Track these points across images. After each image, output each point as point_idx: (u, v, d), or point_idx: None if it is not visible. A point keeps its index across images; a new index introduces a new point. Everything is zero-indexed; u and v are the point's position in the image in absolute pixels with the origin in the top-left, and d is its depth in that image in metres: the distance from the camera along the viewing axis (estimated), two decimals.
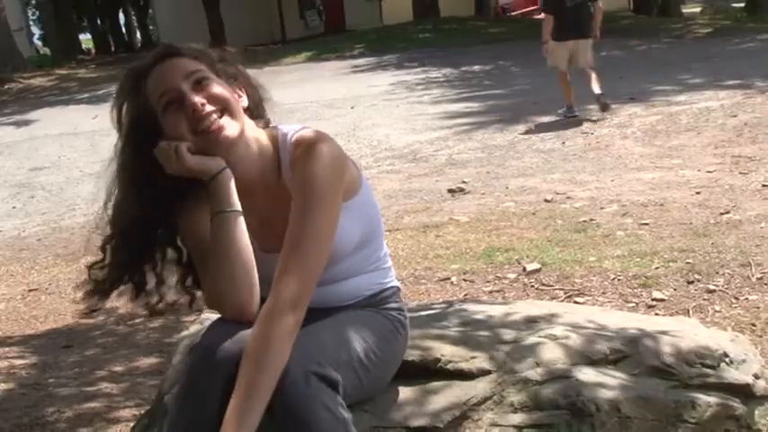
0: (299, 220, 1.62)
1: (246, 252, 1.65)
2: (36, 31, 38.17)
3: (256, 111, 1.78)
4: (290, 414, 1.50)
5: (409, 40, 17.47)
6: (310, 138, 1.68)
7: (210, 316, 2.01)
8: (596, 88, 8.11)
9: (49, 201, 7.43)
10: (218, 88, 1.65)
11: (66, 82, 16.55)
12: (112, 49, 31.12)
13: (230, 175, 1.66)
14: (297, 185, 1.65)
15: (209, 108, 1.62)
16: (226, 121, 1.64)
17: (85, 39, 34.37)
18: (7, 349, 3.87)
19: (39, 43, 36.82)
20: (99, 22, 34.12)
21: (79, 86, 15.61)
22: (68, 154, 9.25)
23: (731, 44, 13.24)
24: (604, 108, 8.11)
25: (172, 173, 1.65)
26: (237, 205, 1.66)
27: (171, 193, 1.71)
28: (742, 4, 20.55)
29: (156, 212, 1.73)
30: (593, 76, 8.20)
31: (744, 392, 2.05)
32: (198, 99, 1.62)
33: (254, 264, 1.65)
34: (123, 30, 34.92)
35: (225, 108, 1.65)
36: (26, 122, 11.77)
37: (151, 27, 33.61)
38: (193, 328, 2.52)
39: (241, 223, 1.65)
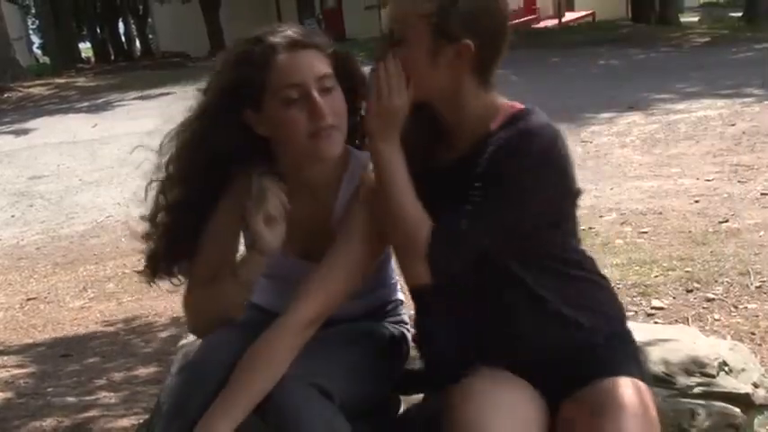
0: (344, 249, 1.63)
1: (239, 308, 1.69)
2: (35, 39, 38.26)
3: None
4: (285, 424, 1.50)
5: None
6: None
7: None
8: None
9: (48, 209, 7.43)
10: (339, 101, 1.62)
11: (66, 90, 16.56)
12: (112, 57, 31.13)
13: (264, 266, 1.65)
14: (350, 221, 1.65)
15: (330, 120, 1.59)
16: (337, 137, 1.62)
17: (85, 47, 34.40)
18: (6, 358, 3.86)
19: (38, 52, 36.89)
20: (98, 30, 34.15)
21: (78, 95, 15.62)
22: (67, 162, 9.25)
23: (729, 53, 13.27)
24: None
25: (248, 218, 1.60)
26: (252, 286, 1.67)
27: (223, 180, 1.69)
28: (739, 14, 20.61)
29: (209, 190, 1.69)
30: None
31: (744, 401, 2.04)
32: (326, 108, 1.58)
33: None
34: (123, 38, 34.95)
35: (339, 124, 1.62)
36: (25, 131, 11.77)
37: (150, 36, 33.67)
38: (192, 337, 2.52)
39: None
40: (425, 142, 1.68)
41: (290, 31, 1.62)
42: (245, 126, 1.63)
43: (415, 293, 1.74)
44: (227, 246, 1.72)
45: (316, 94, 1.58)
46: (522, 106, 1.65)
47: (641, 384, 1.60)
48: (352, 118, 1.73)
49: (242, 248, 1.76)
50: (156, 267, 1.77)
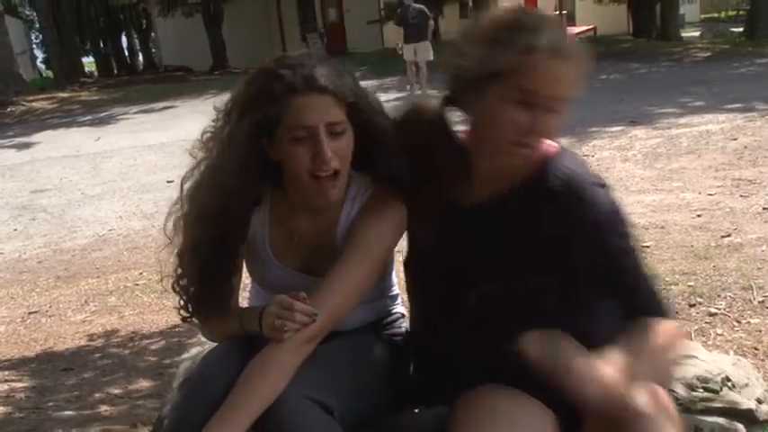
0: (347, 266, 1.65)
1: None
2: (39, 54, 38.47)
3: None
4: None
5: None
6: (383, 198, 1.72)
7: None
8: (420, 86, 11.84)
9: (50, 223, 7.44)
10: (346, 145, 1.64)
11: (69, 104, 16.63)
12: (115, 71, 31.26)
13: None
14: (355, 236, 1.69)
15: (333, 164, 1.62)
16: (339, 182, 1.65)
17: (88, 61, 34.57)
18: (6, 372, 3.85)
19: (42, 66, 37.07)
20: (101, 44, 34.32)
21: (81, 109, 15.69)
22: (70, 176, 9.27)
23: (730, 68, 13.31)
24: None
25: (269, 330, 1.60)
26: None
27: (251, 202, 1.74)
28: (740, 29, 20.68)
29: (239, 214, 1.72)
30: (425, 71, 12.53)
31: (747, 417, 2.03)
32: (330, 153, 1.60)
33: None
34: (125, 52, 35.12)
35: (342, 168, 1.64)
36: (28, 145, 11.81)
37: (153, 50, 33.82)
38: (194, 351, 2.51)
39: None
40: (440, 181, 1.68)
41: (315, 72, 1.61)
42: (261, 148, 1.66)
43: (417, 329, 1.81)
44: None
45: (323, 137, 1.60)
46: (556, 147, 1.64)
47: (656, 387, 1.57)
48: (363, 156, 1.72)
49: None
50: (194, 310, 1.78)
